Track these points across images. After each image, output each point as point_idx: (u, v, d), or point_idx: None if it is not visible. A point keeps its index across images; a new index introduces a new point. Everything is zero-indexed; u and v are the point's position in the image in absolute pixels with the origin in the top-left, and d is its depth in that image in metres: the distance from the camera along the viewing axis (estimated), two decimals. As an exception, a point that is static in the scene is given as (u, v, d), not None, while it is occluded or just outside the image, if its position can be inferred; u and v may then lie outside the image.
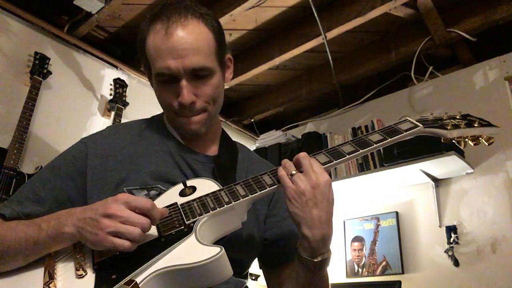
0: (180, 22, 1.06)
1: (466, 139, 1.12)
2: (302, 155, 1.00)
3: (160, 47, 1.05)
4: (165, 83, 1.09)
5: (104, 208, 0.88)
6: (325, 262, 0.98)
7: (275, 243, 1.18)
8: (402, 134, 1.08)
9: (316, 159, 1.01)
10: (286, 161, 1.01)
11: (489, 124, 1.13)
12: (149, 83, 1.20)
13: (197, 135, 1.15)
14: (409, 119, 1.12)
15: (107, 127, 1.24)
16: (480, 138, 1.12)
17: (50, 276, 0.91)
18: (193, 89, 1.08)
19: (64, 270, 0.93)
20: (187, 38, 1.05)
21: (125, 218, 0.87)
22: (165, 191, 1.05)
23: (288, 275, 1.15)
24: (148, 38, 1.08)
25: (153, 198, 1.04)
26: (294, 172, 0.98)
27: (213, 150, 1.21)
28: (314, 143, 3.25)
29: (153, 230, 0.94)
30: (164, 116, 1.25)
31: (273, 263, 1.21)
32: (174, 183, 1.06)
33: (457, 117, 1.15)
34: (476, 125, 1.12)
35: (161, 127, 1.20)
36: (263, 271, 1.24)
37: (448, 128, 1.10)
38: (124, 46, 3.21)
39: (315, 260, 0.97)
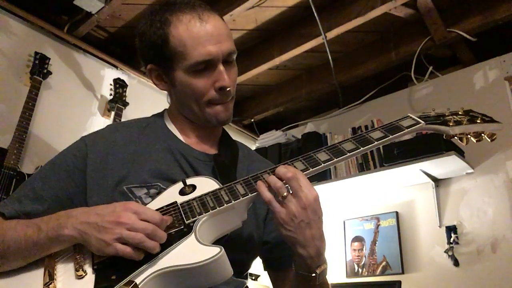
0: (207, 10, 1.11)
1: (469, 136, 1.10)
2: (289, 175, 0.94)
3: (197, 34, 1.07)
4: (199, 72, 1.08)
5: (114, 216, 0.89)
6: (323, 273, 0.98)
7: (278, 246, 1.17)
8: (404, 131, 1.06)
9: (297, 168, 0.98)
10: (275, 182, 0.95)
11: (491, 120, 1.12)
12: (149, 83, 1.20)
13: (225, 123, 1.17)
14: (411, 115, 1.10)
15: (107, 126, 1.24)
16: (482, 135, 1.10)
17: (50, 277, 0.91)
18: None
19: (64, 271, 0.93)
20: (220, 24, 1.10)
21: (130, 225, 0.88)
22: (165, 189, 1.04)
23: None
24: (176, 30, 1.08)
25: (153, 196, 1.04)
26: (285, 194, 0.93)
27: (213, 149, 1.20)
28: (314, 143, 3.25)
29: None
30: (165, 114, 1.24)
31: (278, 266, 1.19)
32: (174, 181, 1.05)
33: (460, 113, 1.13)
34: (478, 121, 1.10)
35: (161, 125, 1.20)
36: (268, 274, 1.23)
37: (450, 124, 1.09)
38: (124, 46, 3.21)
39: (313, 275, 0.96)
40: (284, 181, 0.95)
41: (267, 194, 0.95)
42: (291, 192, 0.94)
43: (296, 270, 0.99)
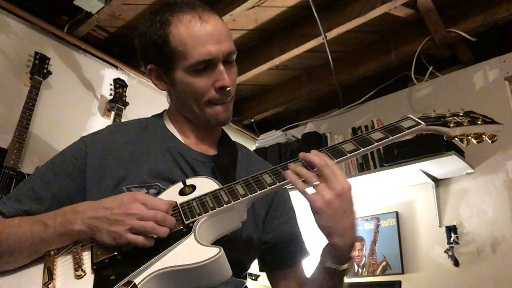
0: (207, 10, 1.12)
1: (469, 137, 1.10)
2: (323, 163, 0.94)
3: (198, 34, 1.07)
4: (199, 72, 1.09)
5: (124, 208, 0.91)
6: (351, 268, 0.98)
7: (277, 246, 1.17)
8: (404, 132, 1.06)
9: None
10: (306, 172, 0.94)
11: (492, 122, 1.11)
12: (149, 83, 1.20)
13: (224, 124, 1.17)
14: (411, 116, 1.10)
15: (107, 126, 1.24)
16: (483, 136, 1.10)
17: (50, 276, 0.91)
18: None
19: (63, 270, 0.93)
20: (220, 24, 1.11)
21: (140, 215, 0.90)
22: (164, 189, 1.04)
23: (293, 278, 1.15)
24: (176, 30, 1.08)
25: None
26: (316, 182, 0.93)
27: (212, 150, 1.21)
28: (314, 143, 3.25)
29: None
30: (165, 115, 1.25)
31: (276, 266, 1.19)
32: (173, 182, 1.06)
33: (460, 114, 1.12)
34: (479, 122, 1.10)
35: (161, 126, 1.20)
36: (266, 274, 1.23)
37: (451, 125, 1.08)
38: (124, 46, 3.21)
39: (342, 268, 0.96)
40: (314, 169, 0.95)
41: (300, 184, 0.94)
42: (318, 181, 0.93)
43: (325, 264, 0.97)
